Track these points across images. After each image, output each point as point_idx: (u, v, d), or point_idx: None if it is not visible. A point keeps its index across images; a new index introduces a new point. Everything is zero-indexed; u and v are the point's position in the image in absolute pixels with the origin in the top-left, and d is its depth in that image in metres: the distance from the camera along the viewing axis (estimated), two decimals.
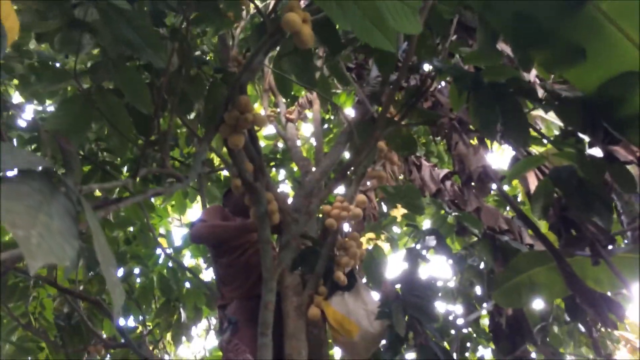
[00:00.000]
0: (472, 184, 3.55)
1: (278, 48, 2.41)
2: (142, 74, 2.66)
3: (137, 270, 4.73)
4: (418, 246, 3.33)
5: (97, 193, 4.91)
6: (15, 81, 3.83)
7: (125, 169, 4.43)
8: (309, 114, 5.62)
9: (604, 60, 2.25)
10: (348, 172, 2.26)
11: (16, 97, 5.28)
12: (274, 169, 6.01)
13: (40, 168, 0.83)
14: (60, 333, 4.00)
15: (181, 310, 4.76)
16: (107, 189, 1.33)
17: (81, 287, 4.14)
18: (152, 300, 4.72)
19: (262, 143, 6.69)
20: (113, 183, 1.38)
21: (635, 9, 2.03)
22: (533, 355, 3.93)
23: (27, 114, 6.15)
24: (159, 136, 1.82)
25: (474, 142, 3.63)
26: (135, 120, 2.04)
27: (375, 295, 3.41)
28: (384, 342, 3.16)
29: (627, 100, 2.28)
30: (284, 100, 5.33)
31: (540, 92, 3.07)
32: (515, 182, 5.04)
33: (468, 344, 4.66)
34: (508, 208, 5.10)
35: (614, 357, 3.78)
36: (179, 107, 2.57)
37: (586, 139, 2.66)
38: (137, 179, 1.65)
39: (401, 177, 5.26)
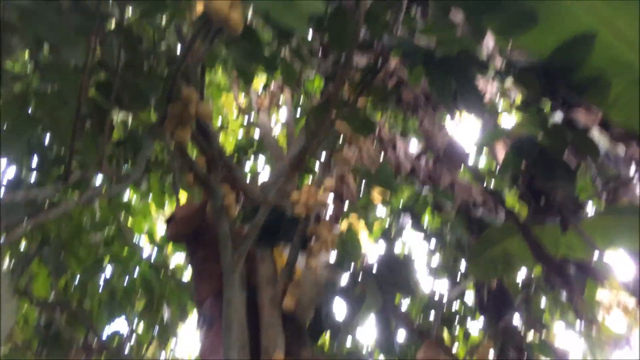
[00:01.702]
0: (443, 160, 3.52)
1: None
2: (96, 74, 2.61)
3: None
4: (392, 226, 3.31)
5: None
6: None
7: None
8: (282, 100, 5.56)
9: (556, 24, 2.21)
10: (304, 159, 2.21)
11: None
12: (252, 159, 5.96)
13: None
14: (42, 344, 3.96)
15: (165, 309, 4.73)
16: (31, 197, 1.28)
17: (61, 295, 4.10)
18: (134, 300, 4.67)
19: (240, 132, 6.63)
20: (40, 190, 1.33)
21: None
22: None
23: None
24: (100, 137, 1.77)
25: (441, 117, 3.60)
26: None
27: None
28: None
29: (583, 63, 2.24)
30: (254, 88, 5.26)
31: (499, 61, 3.04)
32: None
33: (457, 319, 4.67)
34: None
35: (598, 320, 3.79)
36: (134, 103, 2.50)
37: (548, 107, 2.64)
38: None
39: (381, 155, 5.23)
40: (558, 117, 2.47)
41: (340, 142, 3.18)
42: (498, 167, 3.22)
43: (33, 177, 3.67)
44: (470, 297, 4.92)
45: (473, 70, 2.09)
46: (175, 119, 1.90)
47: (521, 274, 4.26)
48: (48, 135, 3.81)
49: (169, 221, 3.31)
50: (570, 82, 2.35)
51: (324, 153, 3.18)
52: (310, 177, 5.33)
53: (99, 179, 4.33)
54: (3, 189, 3.34)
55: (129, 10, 3.02)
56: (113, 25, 2.47)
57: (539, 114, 2.51)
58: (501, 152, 3.15)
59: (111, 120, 2.46)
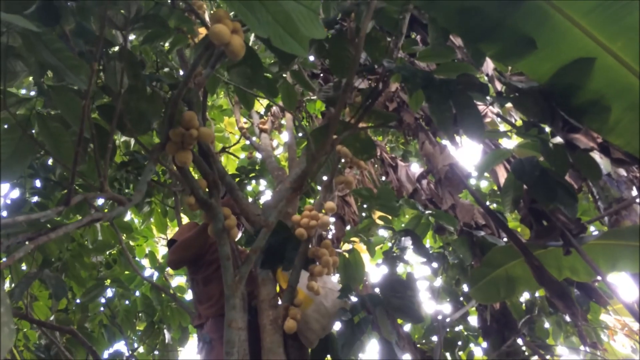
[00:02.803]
0: (444, 183, 3.52)
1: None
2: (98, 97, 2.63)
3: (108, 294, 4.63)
4: (394, 248, 3.30)
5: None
6: None
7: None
8: (283, 122, 5.59)
9: (555, 49, 2.23)
10: (304, 181, 2.22)
11: None
12: (253, 181, 5.97)
13: None
14: None
15: (165, 331, 4.70)
16: (32, 220, 1.28)
17: (62, 317, 4.08)
18: (135, 323, 4.65)
19: (241, 155, 6.66)
20: (40, 214, 1.33)
21: None
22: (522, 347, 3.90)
23: None
24: (102, 160, 1.78)
25: (441, 140, 3.61)
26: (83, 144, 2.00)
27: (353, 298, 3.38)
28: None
29: (582, 87, 2.25)
30: (257, 111, 5.30)
31: (499, 86, 3.06)
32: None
33: (459, 343, 4.62)
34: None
35: (600, 346, 3.75)
36: (136, 126, 2.51)
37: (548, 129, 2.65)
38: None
39: (383, 178, 5.24)
40: (558, 140, 2.48)
41: (342, 165, 3.20)
42: (499, 189, 3.22)
43: (35, 199, 3.69)
44: (473, 320, 4.89)
45: (473, 94, 2.10)
46: (177, 142, 1.92)
47: (524, 296, 4.23)
48: (50, 159, 3.85)
49: (169, 246, 3.31)
50: (569, 106, 2.37)
51: (324, 176, 3.20)
52: (312, 200, 5.34)
53: (100, 201, 4.35)
54: (5, 211, 3.36)
55: (132, 36, 3.05)
56: (116, 49, 2.51)
57: (539, 136, 2.52)
58: (502, 175, 3.16)
59: (113, 142, 2.48)
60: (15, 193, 4.04)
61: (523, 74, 2.74)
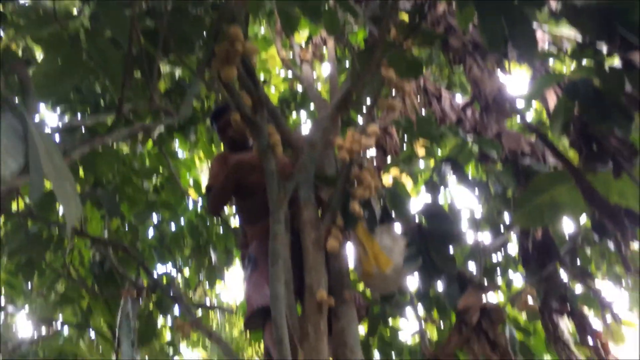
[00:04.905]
0: (491, 109, 3.44)
1: None
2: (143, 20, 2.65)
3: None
4: (434, 176, 3.28)
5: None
6: None
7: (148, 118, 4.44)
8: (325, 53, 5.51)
9: None
10: (349, 101, 2.21)
11: None
12: (294, 114, 5.98)
13: None
14: (96, 280, 4.20)
15: (212, 253, 4.90)
16: (88, 125, 1.34)
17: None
18: (183, 246, 4.86)
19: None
20: (95, 117, 1.38)
21: None
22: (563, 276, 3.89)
23: None
24: (145, 75, 1.81)
25: (490, 66, 3.49)
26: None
27: (398, 229, 3.42)
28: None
29: None
30: (297, 41, 5.23)
31: (554, 3, 2.91)
32: (540, 107, 4.87)
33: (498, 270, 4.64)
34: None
35: None
36: (180, 48, 2.52)
37: (605, 50, 2.53)
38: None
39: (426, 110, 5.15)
40: (616, 61, 2.38)
41: (385, 92, 3.16)
42: (548, 115, 3.13)
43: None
44: (513, 249, 4.88)
45: (528, 8, 2.01)
46: (222, 57, 1.92)
47: (568, 227, 4.18)
48: (99, 87, 3.93)
49: (207, 193, 3.36)
50: (628, 22, 2.25)
51: (368, 101, 3.17)
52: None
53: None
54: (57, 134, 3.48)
55: None
56: None
57: (595, 57, 2.41)
58: (552, 100, 3.06)
59: (159, 67, 2.51)
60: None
61: None
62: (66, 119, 3.55)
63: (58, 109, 3.63)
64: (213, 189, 3.25)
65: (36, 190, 0.94)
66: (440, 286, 3.55)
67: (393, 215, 3.21)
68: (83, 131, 3.43)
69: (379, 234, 3.14)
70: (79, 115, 3.47)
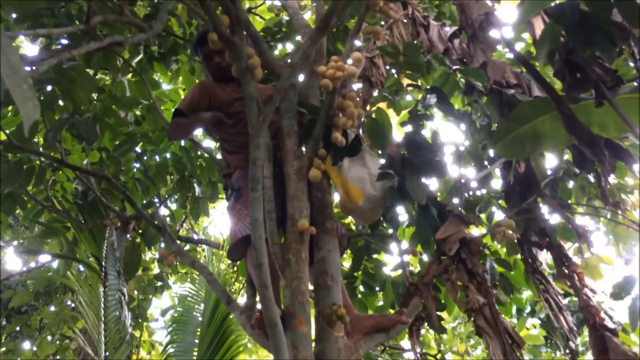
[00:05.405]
0: (478, 37, 3.37)
1: None
2: None
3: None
4: (418, 106, 3.25)
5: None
6: None
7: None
8: None
9: None
10: (330, 21, 2.14)
11: None
12: (280, 45, 5.82)
13: None
14: (81, 212, 4.20)
15: (196, 185, 4.90)
16: (56, 34, 1.27)
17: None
18: (166, 178, 4.84)
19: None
20: (63, 29, 1.32)
21: None
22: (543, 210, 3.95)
23: None
24: None
25: None
26: None
27: (381, 159, 3.42)
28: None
29: None
30: None
31: None
32: (529, 39, 4.78)
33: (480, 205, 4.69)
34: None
35: (623, 205, 3.77)
36: None
37: None
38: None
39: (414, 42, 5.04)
40: None
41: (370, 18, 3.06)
42: (535, 43, 3.07)
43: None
44: (496, 184, 4.93)
45: None
46: None
47: (550, 162, 4.21)
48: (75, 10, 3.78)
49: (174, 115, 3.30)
50: None
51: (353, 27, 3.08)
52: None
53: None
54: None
55: None
56: None
57: None
58: (539, 27, 2.99)
59: None
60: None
61: None
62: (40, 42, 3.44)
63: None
64: (180, 115, 3.20)
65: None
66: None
67: (364, 145, 3.21)
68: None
69: (348, 165, 3.13)
70: (55, 39, 3.36)
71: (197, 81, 5.27)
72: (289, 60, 3.32)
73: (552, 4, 2.84)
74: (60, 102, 3.40)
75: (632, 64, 4.21)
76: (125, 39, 1.47)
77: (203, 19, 2.57)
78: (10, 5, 1.73)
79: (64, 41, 3.70)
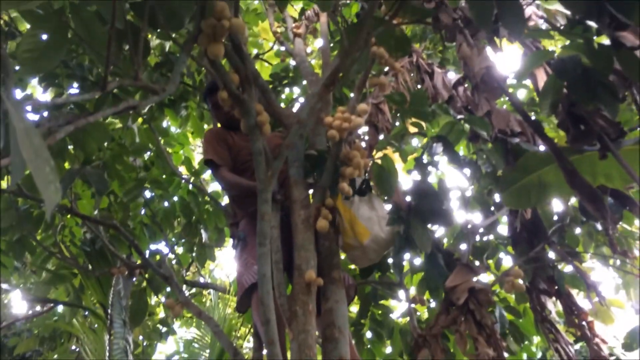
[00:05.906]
0: (481, 88, 3.41)
1: None
2: None
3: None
4: (425, 154, 3.29)
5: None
6: None
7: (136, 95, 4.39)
8: (318, 27, 5.45)
9: None
10: (337, 78, 2.19)
11: None
12: (287, 89, 5.93)
13: None
14: (88, 259, 4.21)
15: (202, 232, 4.91)
16: (74, 102, 1.32)
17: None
18: (174, 223, 4.86)
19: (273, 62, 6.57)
20: (79, 97, 1.37)
21: None
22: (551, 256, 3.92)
23: None
24: (133, 51, 1.78)
25: (483, 43, 3.46)
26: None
27: (387, 205, 3.44)
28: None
29: None
30: (290, 14, 5.17)
31: None
32: (532, 86, 4.84)
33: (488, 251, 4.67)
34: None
35: (631, 254, 3.74)
36: (168, 23, 2.49)
37: (594, 27, 2.51)
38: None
39: (419, 86, 5.13)
40: (604, 40, 2.36)
41: (375, 69, 3.13)
42: (538, 94, 3.11)
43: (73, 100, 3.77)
44: (503, 229, 4.92)
45: None
46: (209, 34, 1.90)
47: (557, 207, 4.20)
48: (87, 61, 3.89)
49: (207, 164, 3.38)
50: (617, 2, 2.23)
51: (359, 79, 3.15)
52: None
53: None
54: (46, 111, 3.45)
55: None
56: None
57: (584, 34, 2.40)
58: (542, 79, 3.04)
59: (146, 38, 2.47)
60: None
61: None
62: (51, 94, 3.52)
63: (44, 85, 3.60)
64: (213, 165, 3.28)
65: (18, 172, 0.94)
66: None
67: (372, 188, 3.24)
68: (71, 107, 3.42)
69: (357, 204, 3.15)
70: (67, 89, 3.44)
71: (205, 127, 5.36)
72: (294, 110, 3.38)
73: (555, 57, 2.92)
74: (71, 148, 3.47)
75: (634, 108, 4.25)
76: (139, 102, 1.51)
77: (214, 77, 2.64)
78: (28, 66, 1.79)
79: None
